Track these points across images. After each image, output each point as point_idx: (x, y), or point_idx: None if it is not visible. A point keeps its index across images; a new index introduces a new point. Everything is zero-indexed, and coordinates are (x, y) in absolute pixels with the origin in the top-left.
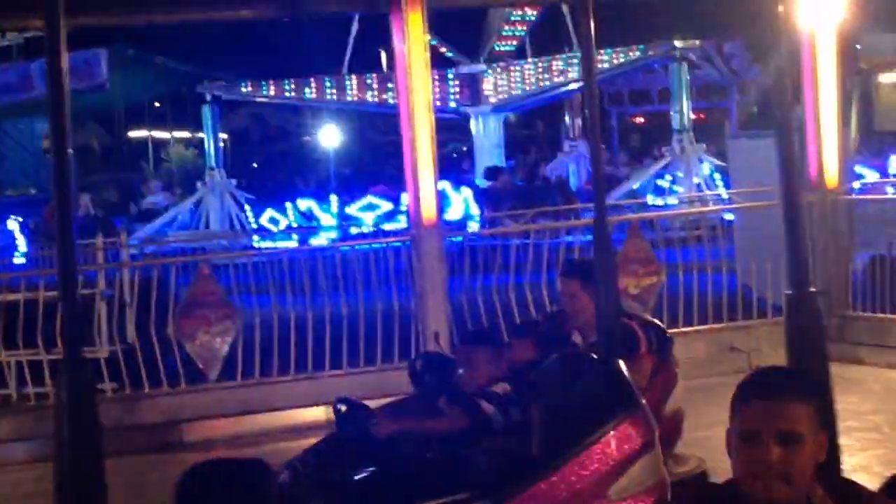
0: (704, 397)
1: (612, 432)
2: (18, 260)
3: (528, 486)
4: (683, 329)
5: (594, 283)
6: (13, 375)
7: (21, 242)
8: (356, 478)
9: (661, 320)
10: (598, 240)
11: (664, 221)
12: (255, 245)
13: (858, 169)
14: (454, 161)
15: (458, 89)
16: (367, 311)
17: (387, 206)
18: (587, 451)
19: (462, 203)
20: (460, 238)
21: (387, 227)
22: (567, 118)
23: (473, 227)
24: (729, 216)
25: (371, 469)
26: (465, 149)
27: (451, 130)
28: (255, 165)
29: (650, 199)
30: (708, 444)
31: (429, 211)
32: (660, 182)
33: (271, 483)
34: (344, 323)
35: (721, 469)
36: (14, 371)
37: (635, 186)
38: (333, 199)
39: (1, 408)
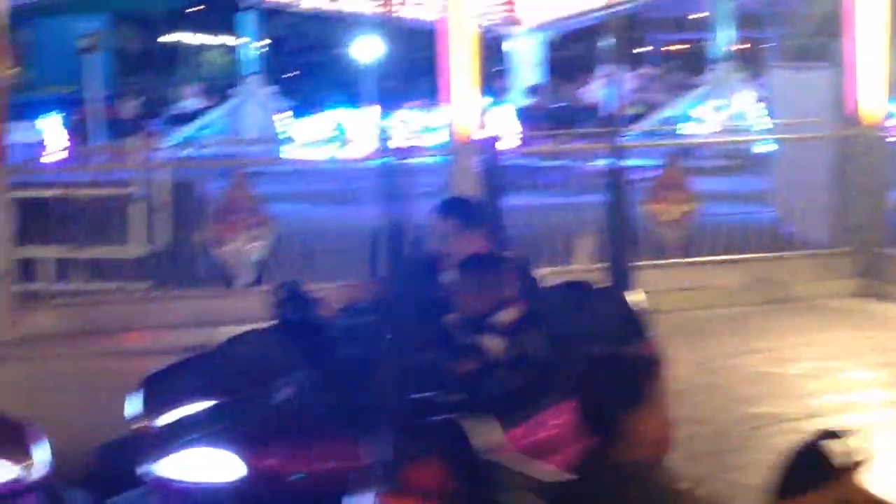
0: (731, 327)
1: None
2: (52, 158)
3: (535, 411)
4: (716, 258)
5: (470, 222)
6: (45, 271)
7: (55, 140)
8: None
9: (693, 249)
10: (613, 166)
11: (700, 150)
12: (289, 154)
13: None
14: (493, 79)
15: (500, 6)
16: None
17: (424, 120)
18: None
19: (500, 120)
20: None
21: (423, 141)
22: (605, 42)
23: (510, 145)
24: (767, 147)
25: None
26: (504, 68)
27: (492, 48)
28: (291, 75)
29: (686, 128)
30: (733, 372)
31: (467, 126)
32: (697, 110)
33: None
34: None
35: (743, 397)
36: (49, 267)
37: (672, 114)
38: (370, 110)
39: (32, 303)
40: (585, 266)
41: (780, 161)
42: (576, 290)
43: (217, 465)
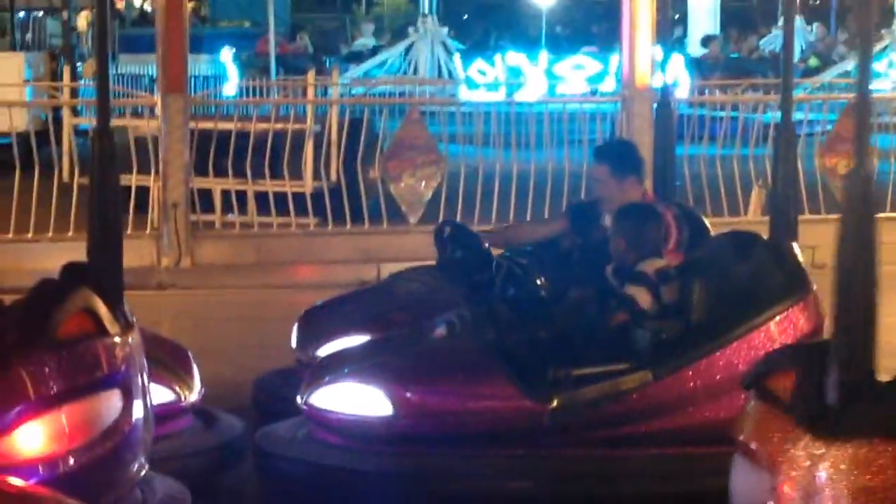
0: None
1: (778, 316)
2: (230, 91)
3: (688, 361)
4: (890, 214)
5: (623, 168)
6: (219, 202)
7: (233, 73)
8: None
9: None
10: (782, 119)
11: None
12: (462, 95)
13: None
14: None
15: None
16: (572, 169)
17: (596, 66)
18: (753, 333)
19: (674, 69)
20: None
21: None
22: None
23: (684, 94)
24: None
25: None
26: (678, 16)
27: None
28: (466, 16)
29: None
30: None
31: (642, 74)
32: (879, 64)
33: None
34: (548, 179)
35: None
36: (220, 198)
37: (851, 68)
38: (543, 55)
39: (204, 233)
40: (755, 218)
41: None
42: (742, 240)
43: (366, 399)
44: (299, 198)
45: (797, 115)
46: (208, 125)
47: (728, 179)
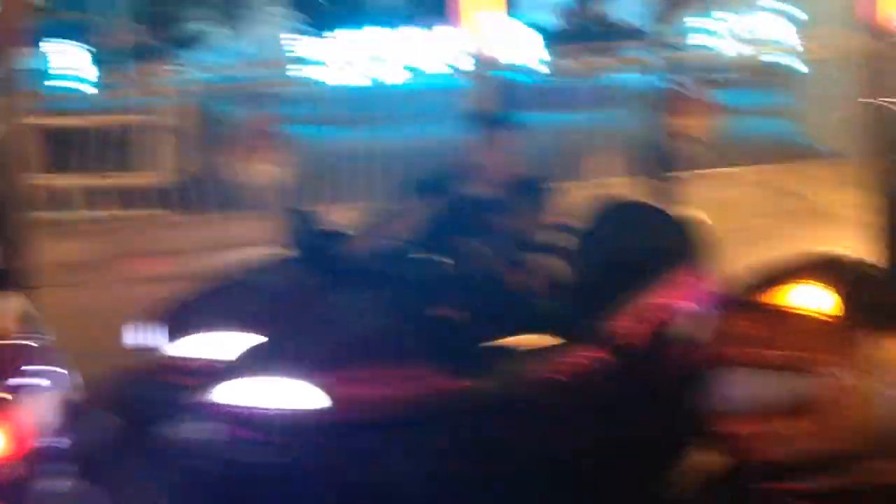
0: (757, 237)
1: (675, 279)
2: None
3: (600, 326)
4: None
5: (493, 138)
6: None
7: (75, 66)
8: None
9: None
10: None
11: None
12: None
13: None
14: None
15: None
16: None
17: (436, 41)
18: (657, 295)
19: (522, 39)
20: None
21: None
22: None
23: (532, 63)
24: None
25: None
26: None
27: None
28: None
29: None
30: None
31: (487, 46)
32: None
33: None
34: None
35: None
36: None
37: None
38: (382, 31)
39: (58, 231)
40: (609, 181)
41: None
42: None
43: (292, 393)
44: (151, 191)
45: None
46: (54, 122)
47: (581, 145)
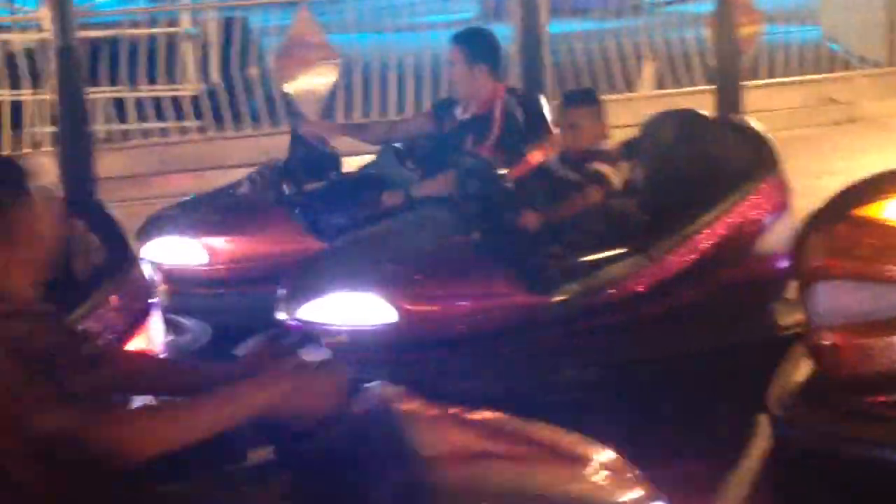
0: (807, 148)
1: (750, 194)
2: None
3: (681, 241)
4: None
5: (475, 55)
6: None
7: None
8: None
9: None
10: None
11: None
12: None
13: None
14: None
15: None
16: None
17: None
18: (729, 212)
19: None
20: None
21: None
22: None
23: None
24: None
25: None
26: None
27: None
28: None
29: None
30: (817, 193)
31: None
32: None
33: None
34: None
35: None
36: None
37: None
38: None
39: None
40: (651, 92)
41: None
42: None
43: (365, 308)
44: (184, 101)
45: None
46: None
47: (607, 54)
